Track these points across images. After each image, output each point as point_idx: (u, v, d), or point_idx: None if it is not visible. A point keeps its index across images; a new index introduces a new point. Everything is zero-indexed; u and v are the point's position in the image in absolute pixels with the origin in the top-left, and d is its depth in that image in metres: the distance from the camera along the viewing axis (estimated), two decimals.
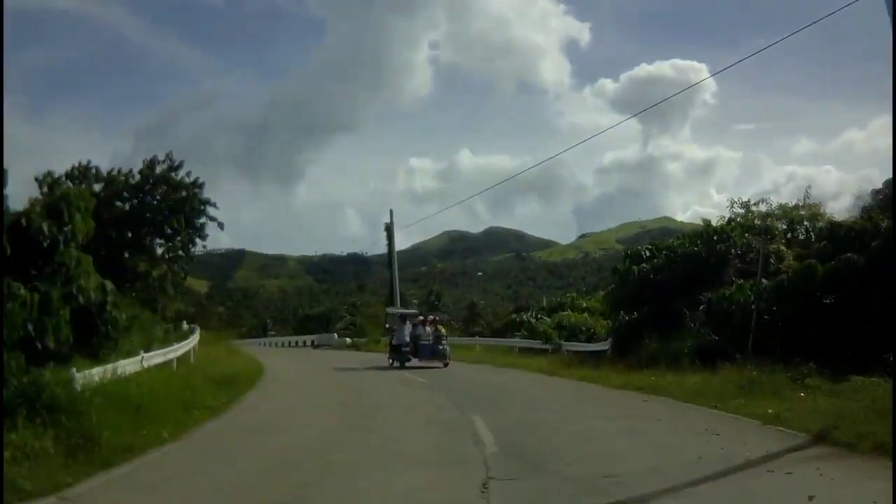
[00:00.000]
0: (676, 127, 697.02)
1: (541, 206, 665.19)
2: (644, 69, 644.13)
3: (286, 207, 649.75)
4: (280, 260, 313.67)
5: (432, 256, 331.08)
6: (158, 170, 60.89)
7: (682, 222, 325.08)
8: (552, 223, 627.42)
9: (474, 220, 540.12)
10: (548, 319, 47.50)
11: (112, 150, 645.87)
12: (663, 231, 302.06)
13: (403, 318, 41.65)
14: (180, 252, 62.61)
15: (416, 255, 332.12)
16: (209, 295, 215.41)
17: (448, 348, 40.30)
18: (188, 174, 62.14)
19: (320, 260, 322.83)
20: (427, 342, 39.51)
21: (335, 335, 74.40)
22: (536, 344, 44.16)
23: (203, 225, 63.78)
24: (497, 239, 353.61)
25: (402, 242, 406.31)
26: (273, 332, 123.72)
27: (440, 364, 38.75)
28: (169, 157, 62.27)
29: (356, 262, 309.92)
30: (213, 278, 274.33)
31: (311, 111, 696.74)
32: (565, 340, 42.05)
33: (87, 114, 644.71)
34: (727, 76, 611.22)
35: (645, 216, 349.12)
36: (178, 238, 62.22)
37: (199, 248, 65.91)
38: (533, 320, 49.43)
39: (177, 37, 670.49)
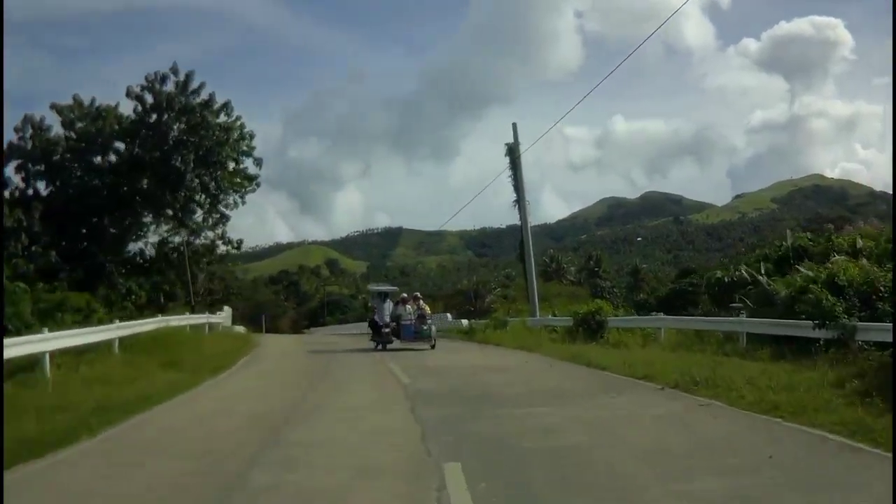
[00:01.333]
0: (819, 84, 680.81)
1: (695, 168, 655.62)
2: (783, 27, 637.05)
3: (442, 183, 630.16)
4: (438, 236, 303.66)
5: (591, 224, 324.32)
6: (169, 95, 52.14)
7: (832, 179, 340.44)
8: (707, 185, 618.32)
9: (631, 185, 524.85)
10: (779, 280, 26.05)
11: (262, 134, 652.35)
12: (815, 189, 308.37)
13: (384, 296, 37.50)
14: (210, 216, 55.04)
15: (576, 223, 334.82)
16: (365, 275, 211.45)
17: (434, 328, 35.55)
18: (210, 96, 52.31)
19: (479, 234, 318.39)
20: (408, 322, 34.86)
21: (448, 315, 54.76)
22: (794, 329, 20.37)
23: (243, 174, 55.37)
24: (654, 204, 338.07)
25: (560, 211, 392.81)
26: None
27: (426, 346, 34.23)
28: (184, 74, 52.49)
29: (516, 234, 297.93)
30: (370, 258, 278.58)
31: (462, 85, 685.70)
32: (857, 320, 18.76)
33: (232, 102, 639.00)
34: (863, 30, 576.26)
35: (796, 175, 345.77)
36: (203, 197, 53.42)
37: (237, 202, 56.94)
38: (762, 278, 26.96)
39: (314, 20, 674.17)
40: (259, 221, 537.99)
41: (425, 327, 34.74)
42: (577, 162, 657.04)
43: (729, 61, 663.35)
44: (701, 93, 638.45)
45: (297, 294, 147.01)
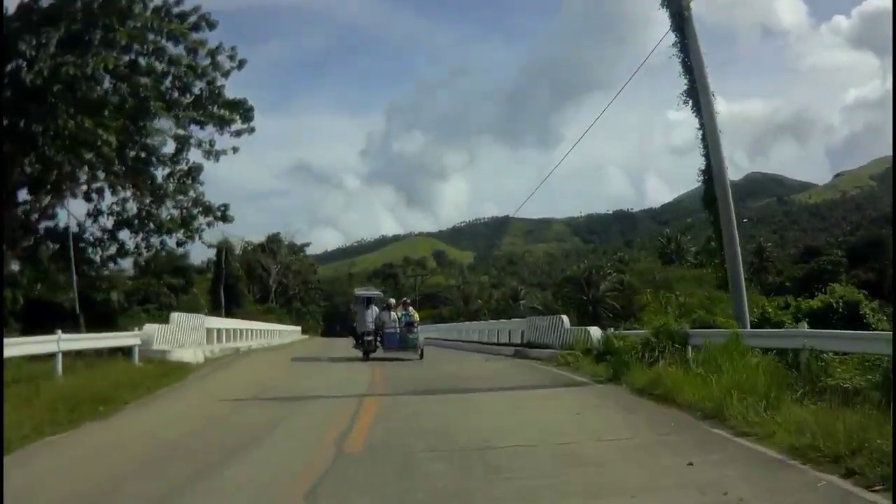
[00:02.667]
0: None
1: (795, 148, 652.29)
2: (872, 3, 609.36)
3: (548, 171, 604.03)
4: (545, 223, 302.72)
5: (697, 207, 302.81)
6: None
7: None
8: (808, 165, 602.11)
9: (733, 167, 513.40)
10: None
11: (366, 129, 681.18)
12: None
13: (367, 302, 33.12)
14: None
15: (681, 206, 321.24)
16: (472, 265, 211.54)
17: (421, 337, 32.38)
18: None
19: (586, 220, 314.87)
20: (393, 329, 31.64)
21: (564, 320, 33.06)
22: None
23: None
24: (757, 184, 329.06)
25: (664, 195, 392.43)
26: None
27: (412, 356, 31.04)
28: None
29: (622, 220, 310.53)
30: (477, 248, 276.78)
31: (563, 73, 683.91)
32: None
33: (334, 99, 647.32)
34: None
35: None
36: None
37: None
38: None
39: (413, 14, 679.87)
40: (365, 215, 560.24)
41: (412, 336, 31.80)
42: (679, 146, 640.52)
43: (822, 39, 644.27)
44: (797, 72, 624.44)
45: (395, 287, 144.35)
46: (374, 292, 36.73)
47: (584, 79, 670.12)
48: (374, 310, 32.40)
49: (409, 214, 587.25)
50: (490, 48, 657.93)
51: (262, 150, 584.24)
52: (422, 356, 31.10)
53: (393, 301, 34.25)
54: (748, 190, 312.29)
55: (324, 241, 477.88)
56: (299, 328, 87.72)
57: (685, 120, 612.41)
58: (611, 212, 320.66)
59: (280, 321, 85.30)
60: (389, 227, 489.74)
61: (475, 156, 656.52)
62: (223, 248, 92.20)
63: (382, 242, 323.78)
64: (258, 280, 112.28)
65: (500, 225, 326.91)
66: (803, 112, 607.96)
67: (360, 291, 36.19)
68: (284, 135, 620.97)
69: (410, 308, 33.43)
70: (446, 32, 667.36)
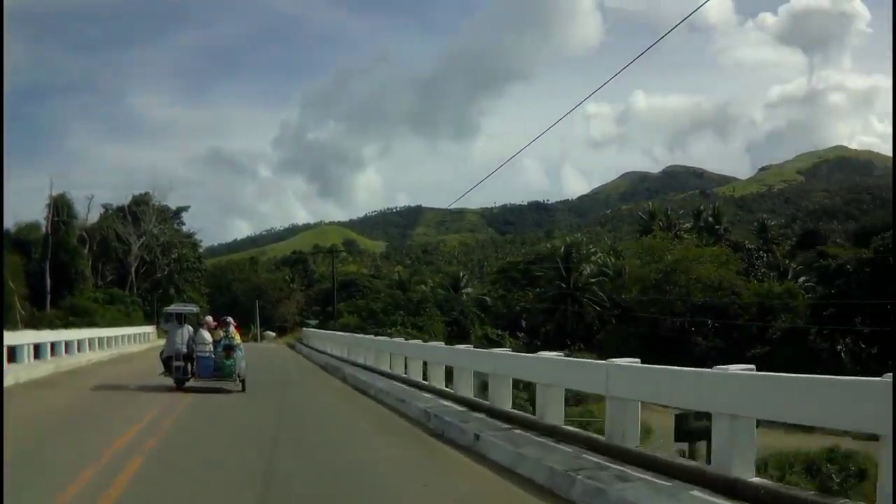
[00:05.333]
0: (836, 57, 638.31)
1: (716, 142, 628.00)
2: (800, 0, 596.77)
3: (463, 161, 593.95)
4: (458, 214, 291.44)
5: (615, 199, 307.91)
6: None
7: (855, 150, 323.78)
8: (729, 159, 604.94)
9: (652, 160, 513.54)
10: None
11: (280, 120, 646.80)
12: (839, 160, 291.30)
13: (180, 319, 26.13)
14: None
15: (598, 198, 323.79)
16: (385, 254, 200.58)
17: (244, 363, 24.80)
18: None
19: (500, 211, 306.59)
20: (206, 354, 24.38)
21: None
22: None
23: None
24: (677, 178, 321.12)
25: (581, 187, 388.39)
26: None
27: (231, 387, 24.19)
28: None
29: (538, 211, 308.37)
30: (389, 237, 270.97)
31: (483, 63, 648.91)
32: None
33: (250, 89, 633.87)
34: (880, 3, 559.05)
35: (818, 147, 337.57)
36: None
37: None
38: None
39: (331, 4, 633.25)
40: (276, 204, 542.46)
41: (229, 362, 24.30)
42: (597, 138, 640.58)
43: (747, 36, 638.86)
44: (720, 67, 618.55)
45: (307, 276, 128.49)
46: (188, 308, 28.80)
47: (502, 69, 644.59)
48: (188, 329, 25.48)
49: (322, 204, 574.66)
50: (408, 38, 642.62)
51: (175, 138, 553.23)
52: (244, 387, 24.30)
53: (210, 319, 26.76)
54: (668, 183, 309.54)
55: (236, 229, 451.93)
56: (151, 329, 63.23)
57: (603, 113, 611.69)
58: (526, 203, 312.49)
59: (130, 318, 66.97)
60: (301, 216, 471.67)
61: (389, 146, 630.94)
62: (56, 207, 70.93)
63: (293, 231, 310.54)
64: (114, 257, 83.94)
65: (413, 214, 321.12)
66: (726, 107, 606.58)
67: (172, 308, 28.81)
68: (198, 124, 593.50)
69: (232, 328, 25.56)
70: (364, 21, 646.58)
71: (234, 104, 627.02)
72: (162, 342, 55.45)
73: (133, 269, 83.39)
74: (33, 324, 50.53)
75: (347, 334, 45.75)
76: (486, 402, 16.36)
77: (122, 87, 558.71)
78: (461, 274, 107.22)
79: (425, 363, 23.36)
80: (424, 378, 22.91)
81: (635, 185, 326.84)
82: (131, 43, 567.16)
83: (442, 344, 28.04)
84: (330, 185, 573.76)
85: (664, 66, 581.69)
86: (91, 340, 40.44)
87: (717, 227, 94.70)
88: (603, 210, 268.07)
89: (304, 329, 67.60)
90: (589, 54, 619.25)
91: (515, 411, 15.31)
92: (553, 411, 13.55)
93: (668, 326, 67.17)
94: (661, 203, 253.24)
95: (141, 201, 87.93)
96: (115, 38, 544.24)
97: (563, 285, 73.90)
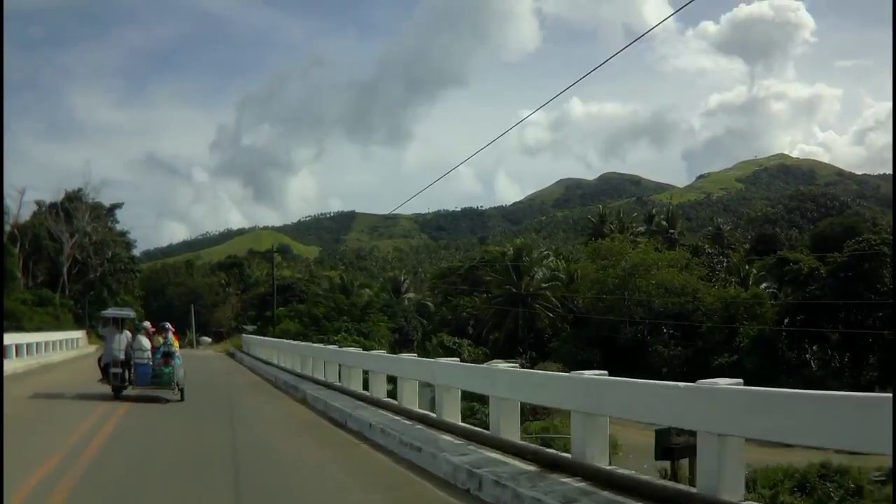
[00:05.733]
0: (779, 66, 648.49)
1: (653, 150, 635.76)
2: (743, 10, 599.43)
3: (397, 167, 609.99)
4: (392, 219, 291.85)
5: (549, 206, 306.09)
6: None
7: (796, 159, 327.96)
8: (666, 167, 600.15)
9: (587, 167, 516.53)
10: None
11: (216, 122, 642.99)
12: (780, 168, 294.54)
13: (118, 324, 24.46)
14: None
15: (533, 205, 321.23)
16: (319, 259, 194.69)
17: (182, 371, 23.57)
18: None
19: (434, 216, 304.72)
20: (144, 361, 23.22)
21: None
22: None
23: None
24: (613, 185, 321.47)
25: (515, 194, 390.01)
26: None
27: (169, 395, 23.01)
28: None
29: (472, 217, 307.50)
30: (323, 242, 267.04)
31: (417, 68, 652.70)
32: None
33: (186, 90, 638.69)
34: (825, 13, 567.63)
35: (757, 155, 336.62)
36: None
37: None
38: None
39: (267, 5, 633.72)
40: (212, 209, 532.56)
41: (167, 369, 23.02)
42: (532, 145, 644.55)
43: (688, 44, 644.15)
44: (659, 75, 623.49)
45: (243, 279, 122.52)
46: (126, 312, 26.95)
47: (437, 74, 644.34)
48: (126, 335, 24.10)
49: (256, 209, 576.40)
50: (344, 42, 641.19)
51: (112, 140, 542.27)
52: (182, 396, 23.24)
53: (148, 324, 25.26)
54: (603, 189, 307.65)
55: (171, 234, 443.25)
56: (80, 334, 58.88)
57: (538, 120, 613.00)
58: (459, 209, 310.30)
59: (60, 321, 61.41)
60: (236, 221, 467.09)
61: (323, 150, 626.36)
62: None
63: (227, 236, 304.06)
64: (45, 257, 78.17)
65: (346, 220, 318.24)
66: (663, 115, 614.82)
67: (109, 312, 27.01)
68: (135, 125, 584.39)
69: (170, 334, 24.32)
70: (300, 24, 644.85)
71: (170, 106, 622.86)
72: (93, 349, 52.44)
73: (65, 270, 77.75)
74: None
75: (303, 344, 39.21)
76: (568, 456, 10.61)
77: (60, 87, 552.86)
78: (401, 278, 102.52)
79: (433, 390, 16.42)
80: (432, 409, 16.17)
81: (570, 192, 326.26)
82: (69, 42, 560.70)
83: (456, 360, 18.77)
84: (265, 190, 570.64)
85: (601, 73, 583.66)
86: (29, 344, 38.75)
87: (671, 231, 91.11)
88: (538, 217, 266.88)
89: (244, 336, 62.52)
90: (525, 59, 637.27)
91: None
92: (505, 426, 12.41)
93: (628, 334, 63.04)
94: (595, 209, 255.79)
95: (73, 197, 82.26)
96: (53, 38, 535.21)
97: (514, 290, 68.93)
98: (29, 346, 39.40)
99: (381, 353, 23.92)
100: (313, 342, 43.52)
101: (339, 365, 24.80)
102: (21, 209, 76.60)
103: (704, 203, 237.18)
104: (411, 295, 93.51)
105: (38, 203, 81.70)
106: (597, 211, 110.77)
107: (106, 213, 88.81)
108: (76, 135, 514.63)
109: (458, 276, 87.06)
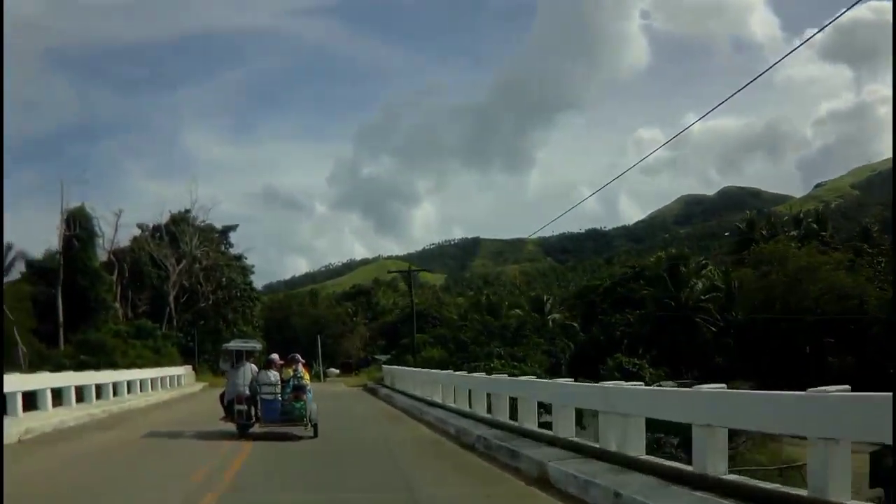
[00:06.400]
0: (884, 70, 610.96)
1: (769, 162, 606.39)
2: (845, 15, 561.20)
3: (518, 192, 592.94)
4: (516, 244, 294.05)
5: (670, 223, 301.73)
6: None
7: None
8: (782, 177, 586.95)
9: (706, 183, 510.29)
10: None
11: (334, 155, 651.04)
12: None
13: (241, 357, 22.63)
14: None
15: (655, 223, 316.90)
16: (445, 286, 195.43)
17: (314, 406, 21.32)
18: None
19: (558, 239, 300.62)
20: (271, 396, 21.10)
21: None
22: None
23: None
24: (733, 199, 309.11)
25: (636, 213, 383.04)
26: None
27: (301, 431, 21.00)
28: None
29: (595, 238, 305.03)
30: (448, 270, 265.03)
31: (533, 93, 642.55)
32: None
33: (300, 125, 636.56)
34: None
35: (871, 160, 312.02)
36: None
37: None
38: None
39: (379, 39, 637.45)
40: (333, 241, 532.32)
41: (298, 404, 20.90)
42: (650, 163, 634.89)
43: (795, 53, 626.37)
44: (769, 87, 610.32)
45: (371, 308, 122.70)
46: (252, 345, 25.22)
47: (552, 98, 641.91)
48: (251, 368, 22.31)
49: (378, 239, 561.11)
50: (455, 71, 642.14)
51: (228, 176, 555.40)
52: (316, 432, 20.96)
53: (276, 357, 22.73)
54: (723, 204, 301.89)
55: (292, 267, 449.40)
56: (183, 370, 54.04)
57: (655, 138, 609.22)
58: (583, 230, 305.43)
59: (161, 355, 56.00)
60: (358, 252, 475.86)
61: (443, 178, 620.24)
62: (73, 221, 59.21)
63: (350, 267, 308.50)
64: (148, 284, 72.26)
65: (470, 246, 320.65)
66: (776, 125, 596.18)
67: (232, 344, 24.89)
68: (249, 161, 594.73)
69: (300, 366, 22.19)
70: (410, 55, 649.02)
71: (283, 140, 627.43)
72: (198, 388, 49.46)
73: (171, 298, 71.31)
74: (37, 364, 43.28)
75: (504, 378, 25.13)
76: None
77: (168, 126, 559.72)
78: (545, 297, 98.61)
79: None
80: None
81: (691, 209, 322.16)
82: (178, 83, 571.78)
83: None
84: (386, 220, 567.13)
85: (713, 86, 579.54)
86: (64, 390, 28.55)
87: (823, 233, 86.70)
88: (660, 235, 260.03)
89: (387, 367, 56.54)
90: (638, 78, 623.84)
91: None
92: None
93: (800, 344, 59.47)
94: (717, 225, 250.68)
95: (180, 219, 76.50)
96: (161, 79, 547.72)
97: (673, 303, 65.73)
98: (101, 387, 32.32)
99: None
100: (467, 371, 34.40)
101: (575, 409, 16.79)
102: (118, 233, 69.74)
103: (824, 212, 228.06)
104: (556, 316, 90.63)
105: (141, 226, 76.02)
106: (744, 218, 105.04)
107: (218, 236, 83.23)
108: (187, 172, 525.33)
109: (597, 294, 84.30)
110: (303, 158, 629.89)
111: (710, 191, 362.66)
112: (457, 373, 31.62)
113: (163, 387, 43.48)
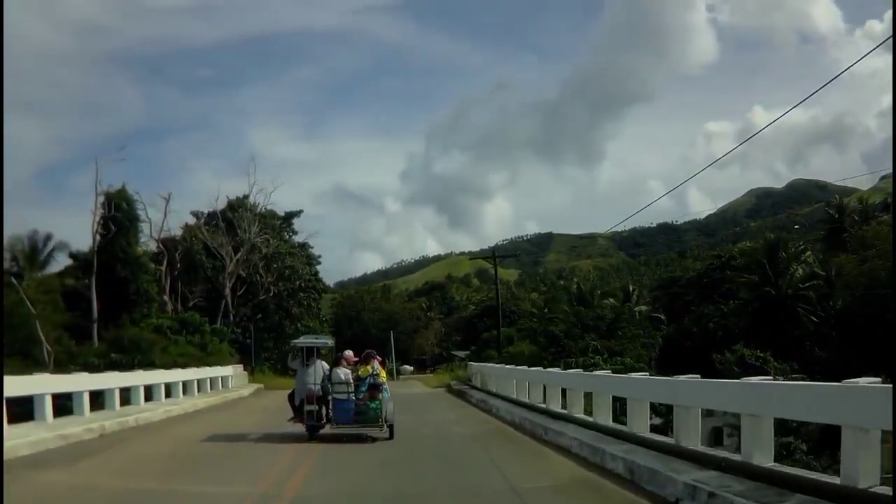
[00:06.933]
0: None
1: (835, 154, 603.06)
2: None
3: (590, 186, 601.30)
4: (589, 239, 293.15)
5: (741, 216, 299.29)
6: None
7: None
8: (848, 170, 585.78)
9: (775, 176, 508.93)
10: None
11: (404, 151, 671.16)
12: None
13: (312, 354, 20.84)
14: None
15: (725, 216, 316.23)
16: (519, 282, 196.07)
17: (392, 406, 19.72)
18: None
19: (630, 234, 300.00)
20: (344, 395, 19.44)
21: None
22: None
23: None
24: (801, 191, 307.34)
25: (707, 206, 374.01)
26: None
27: (377, 433, 19.23)
28: None
29: (667, 232, 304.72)
30: (521, 265, 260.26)
31: (602, 87, 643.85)
32: None
33: (370, 122, 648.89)
34: None
35: None
36: None
37: None
38: None
39: (446, 35, 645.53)
40: (405, 237, 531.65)
41: (373, 404, 19.15)
42: (719, 156, 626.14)
43: (857, 45, 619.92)
44: (834, 76, 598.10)
45: (445, 304, 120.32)
46: (323, 341, 23.96)
47: (621, 92, 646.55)
48: (322, 366, 20.68)
49: (451, 235, 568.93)
50: (524, 66, 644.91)
51: (294, 174, 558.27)
52: (391, 434, 19.28)
53: (350, 353, 21.36)
54: (792, 197, 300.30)
55: (365, 265, 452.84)
56: (232, 371, 45.78)
57: (724, 131, 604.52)
58: (655, 225, 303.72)
59: (207, 353, 48.91)
60: (431, 248, 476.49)
61: (515, 173, 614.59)
62: (110, 204, 50.39)
63: (423, 263, 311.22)
64: (202, 276, 66.21)
65: (543, 241, 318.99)
66: (841, 118, 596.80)
67: (301, 340, 22.79)
68: (317, 160, 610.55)
69: (376, 362, 20.20)
70: (478, 51, 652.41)
71: (354, 138, 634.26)
72: (251, 390, 44.56)
73: (227, 291, 64.75)
74: (64, 363, 38.46)
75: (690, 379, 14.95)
76: None
77: (237, 125, 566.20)
78: (631, 288, 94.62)
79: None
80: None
81: (761, 202, 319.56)
82: (241, 82, 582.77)
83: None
84: (459, 216, 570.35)
85: (779, 79, 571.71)
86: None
87: None
88: (731, 228, 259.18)
89: (473, 364, 49.01)
90: (705, 71, 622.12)
91: None
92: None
93: None
94: (787, 217, 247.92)
95: (237, 205, 69.52)
96: (223, 79, 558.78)
97: (773, 291, 64.33)
98: (124, 391, 26.17)
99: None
100: (561, 368, 31.73)
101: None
102: (167, 219, 62.00)
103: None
104: (643, 307, 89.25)
105: (195, 214, 70.49)
106: (833, 203, 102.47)
107: (281, 223, 75.74)
108: (258, 170, 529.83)
109: (680, 285, 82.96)
110: (374, 156, 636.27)
111: (779, 184, 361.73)
112: (598, 373, 23.67)
113: (202, 390, 36.48)
